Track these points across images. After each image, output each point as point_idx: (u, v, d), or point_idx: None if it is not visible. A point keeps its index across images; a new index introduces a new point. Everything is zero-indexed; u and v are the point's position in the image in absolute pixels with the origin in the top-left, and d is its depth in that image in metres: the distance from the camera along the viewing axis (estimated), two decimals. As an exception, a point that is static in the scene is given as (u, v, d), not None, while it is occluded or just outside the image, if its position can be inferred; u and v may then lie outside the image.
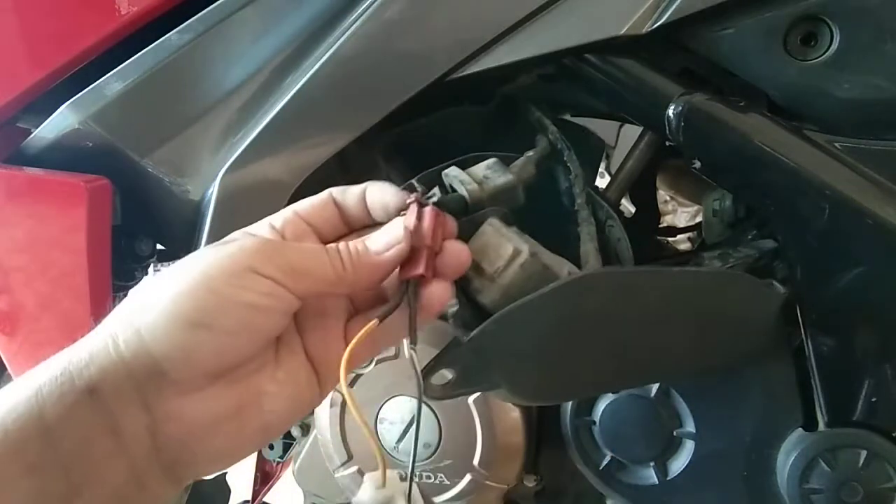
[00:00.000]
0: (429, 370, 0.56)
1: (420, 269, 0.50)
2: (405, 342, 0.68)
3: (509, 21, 0.62)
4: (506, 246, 0.55)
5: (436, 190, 0.64)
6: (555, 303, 0.55)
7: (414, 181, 0.66)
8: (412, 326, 0.50)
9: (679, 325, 0.61)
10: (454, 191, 0.62)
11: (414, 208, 0.53)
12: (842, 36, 0.59)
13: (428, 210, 0.53)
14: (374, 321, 0.50)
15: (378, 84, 0.65)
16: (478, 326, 0.55)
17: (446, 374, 0.57)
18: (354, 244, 0.47)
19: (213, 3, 0.66)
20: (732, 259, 0.69)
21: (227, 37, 0.66)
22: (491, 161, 0.65)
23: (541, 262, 0.55)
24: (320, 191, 0.54)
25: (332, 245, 0.47)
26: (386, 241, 0.48)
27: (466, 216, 0.59)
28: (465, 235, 0.58)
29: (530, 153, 0.67)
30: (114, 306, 0.45)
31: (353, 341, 0.47)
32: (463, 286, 0.57)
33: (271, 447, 1.08)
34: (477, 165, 0.64)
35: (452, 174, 0.63)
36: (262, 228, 0.49)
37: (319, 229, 0.50)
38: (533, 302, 0.55)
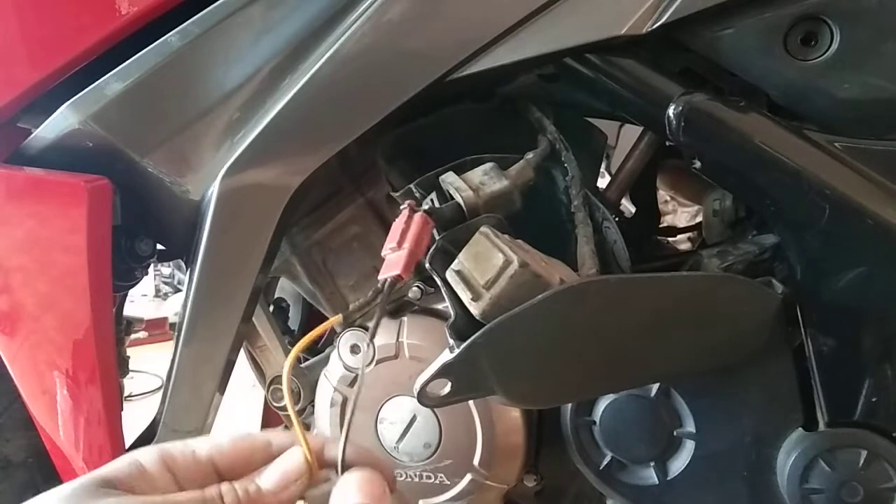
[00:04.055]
0: (426, 382, 0.57)
1: (399, 270, 0.52)
2: (405, 342, 0.68)
3: (510, 21, 0.62)
4: (497, 256, 0.55)
5: (433, 195, 0.64)
6: (545, 313, 0.55)
7: (412, 186, 0.66)
8: (376, 323, 0.50)
9: (674, 329, 0.61)
10: (452, 197, 0.62)
11: (406, 213, 0.54)
12: (842, 36, 0.59)
13: (417, 216, 0.54)
14: (339, 316, 0.51)
15: (378, 84, 0.65)
16: (471, 336, 0.55)
17: (444, 383, 0.57)
18: (244, 486, 0.41)
19: (212, 3, 0.66)
20: (731, 257, 0.69)
21: (227, 37, 0.66)
22: (488, 166, 0.65)
23: (531, 271, 0.55)
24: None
25: (213, 489, 0.40)
26: (282, 476, 0.41)
27: (463, 223, 0.60)
28: (460, 242, 0.59)
29: (529, 156, 0.68)
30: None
31: (313, 333, 0.46)
32: (456, 297, 0.57)
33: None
34: (474, 171, 0.65)
35: (449, 180, 0.63)
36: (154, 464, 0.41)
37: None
38: (522, 313, 0.55)
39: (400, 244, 0.54)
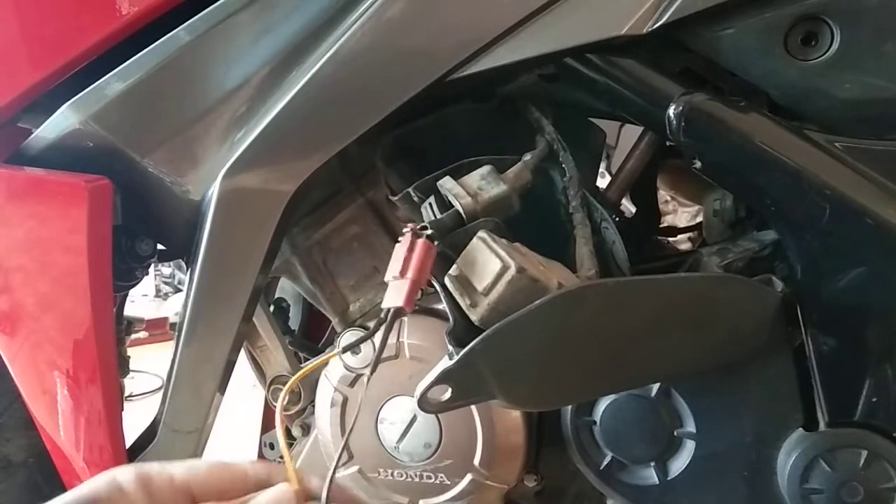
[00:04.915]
0: (426, 388, 0.57)
1: (401, 302, 0.52)
2: (406, 342, 0.68)
3: (510, 21, 0.62)
4: (494, 262, 0.56)
5: (431, 199, 0.64)
6: (543, 318, 0.55)
7: (410, 190, 0.66)
8: (378, 355, 0.51)
9: (674, 330, 0.61)
10: (450, 203, 0.62)
11: (409, 238, 0.55)
12: (842, 36, 0.59)
13: (420, 244, 0.54)
14: (339, 349, 0.52)
15: (378, 84, 0.65)
16: (471, 342, 0.55)
17: (444, 389, 0.57)
18: None
19: (213, 3, 0.66)
20: (731, 255, 0.69)
21: (228, 37, 0.66)
22: (485, 170, 0.65)
23: (529, 276, 0.55)
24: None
25: None
26: None
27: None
28: (458, 247, 0.59)
29: (528, 157, 0.68)
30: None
31: (310, 365, 0.47)
32: (455, 303, 0.58)
33: (272, 447, 1.08)
34: (471, 175, 0.65)
35: (447, 186, 0.63)
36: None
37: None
38: (521, 319, 0.55)
39: (403, 273, 0.54)
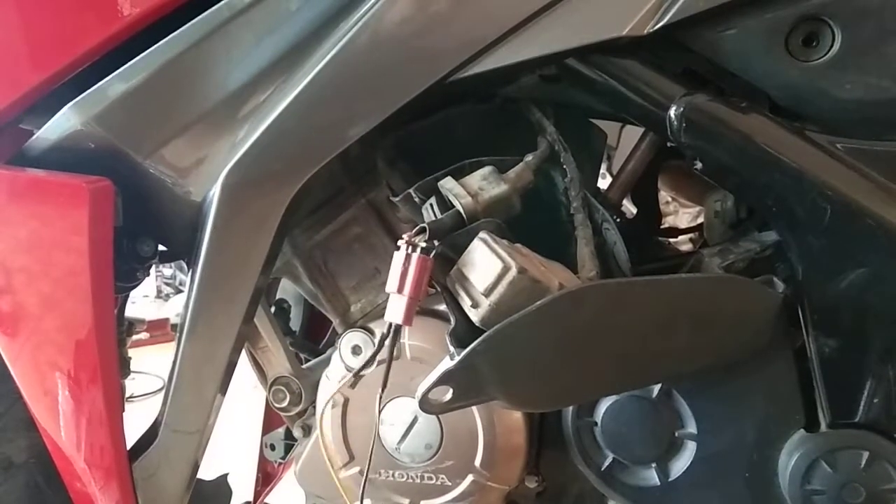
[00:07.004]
0: (427, 389, 0.57)
1: (400, 320, 0.55)
2: (407, 343, 0.68)
3: (512, 22, 0.62)
4: (495, 263, 0.56)
5: (432, 200, 0.65)
6: (544, 319, 0.56)
7: (412, 191, 0.66)
8: (386, 373, 0.52)
9: (674, 331, 0.61)
10: (451, 203, 0.63)
11: (404, 250, 0.56)
12: (843, 37, 0.59)
13: (416, 259, 0.56)
14: (349, 375, 0.53)
15: (380, 85, 0.65)
16: (472, 343, 0.55)
17: (445, 390, 0.57)
18: None
19: (214, 4, 0.66)
20: (732, 255, 0.69)
21: (230, 38, 0.66)
22: (486, 170, 0.65)
23: (530, 277, 0.55)
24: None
25: None
26: None
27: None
28: (459, 248, 0.59)
29: (529, 157, 0.68)
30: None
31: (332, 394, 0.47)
32: (456, 303, 0.58)
33: (273, 448, 1.08)
34: (472, 175, 0.65)
35: (448, 186, 0.64)
36: None
37: None
38: (521, 320, 0.55)
39: (400, 289, 0.56)
